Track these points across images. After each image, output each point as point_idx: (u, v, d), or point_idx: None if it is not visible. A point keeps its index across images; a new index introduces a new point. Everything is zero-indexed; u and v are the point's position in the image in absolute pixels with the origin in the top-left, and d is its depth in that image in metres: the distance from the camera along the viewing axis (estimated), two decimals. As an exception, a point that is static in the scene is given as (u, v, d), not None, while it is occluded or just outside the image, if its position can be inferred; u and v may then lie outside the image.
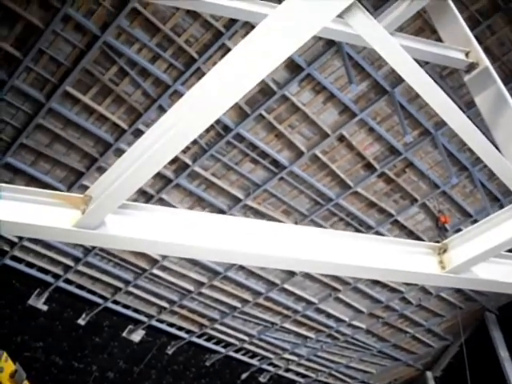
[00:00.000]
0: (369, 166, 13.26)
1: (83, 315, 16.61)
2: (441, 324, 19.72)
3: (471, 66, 5.05)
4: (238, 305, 17.23)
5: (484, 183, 13.93)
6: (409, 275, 3.01)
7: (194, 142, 12.21)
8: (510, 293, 3.32)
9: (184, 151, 12.46)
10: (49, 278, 15.44)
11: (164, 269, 15.57)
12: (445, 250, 3.15)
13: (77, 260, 14.89)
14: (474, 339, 19.05)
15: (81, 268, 15.18)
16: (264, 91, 11.40)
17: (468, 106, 11.49)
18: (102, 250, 14.60)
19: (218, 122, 11.82)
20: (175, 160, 12.61)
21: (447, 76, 11.68)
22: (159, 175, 12.83)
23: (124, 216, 2.69)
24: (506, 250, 3.24)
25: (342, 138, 12.67)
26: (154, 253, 14.26)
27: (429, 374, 21.50)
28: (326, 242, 2.95)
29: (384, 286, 17.02)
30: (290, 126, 12.29)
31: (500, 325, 19.38)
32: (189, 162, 12.62)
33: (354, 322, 18.56)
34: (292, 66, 11.10)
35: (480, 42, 10.25)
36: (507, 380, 18.04)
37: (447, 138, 12.90)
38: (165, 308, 17.03)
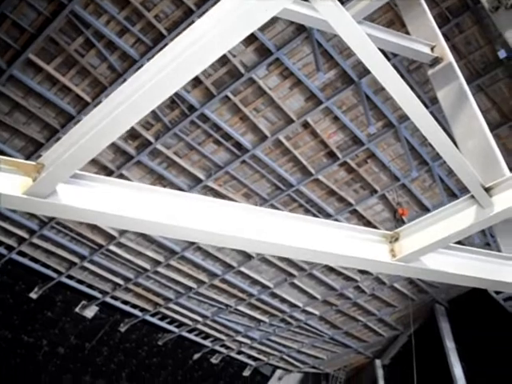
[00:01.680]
0: (331, 155, 13.34)
1: (36, 289, 16.37)
2: (392, 314, 20.11)
3: (435, 61, 5.12)
4: (194, 285, 17.22)
5: (443, 178, 14.15)
6: (359, 261, 3.05)
7: (158, 120, 12.10)
8: (457, 284, 3.38)
9: (147, 128, 12.34)
10: (1, 250, 15.14)
11: (121, 246, 15.44)
12: (396, 239, 3.20)
13: (32, 232, 14.63)
14: (423, 330, 19.50)
15: (35, 241, 14.93)
16: (231, 73, 11.34)
17: (432, 102, 11.65)
18: (58, 223, 14.38)
19: (183, 101, 11.72)
20: (137, 136, 12.47)
21: (414, 70, 11.78)
22: (120, 151, 12.69)
23: (77, 186, 2.64)
24: (454, 242, 3.31)
25: (306, 125, 12.70)
26: (106, 225, 14.13)
27: (378, 361, 21.94)
28: (279, 224, 2.95)
29: (339, 273, 17.24)
30: (255, 109, 12.25)
31: (449, 317, 19.87)
32: (151, 139, 12.49)
33: (308, 308, 18.77)
34: (261, 50, 11.04)
35: (447, 39, 10.43)
36: (451, 369, 18.53)
37: (410, 131, 13.05)
38: (120, 285, 16.90)
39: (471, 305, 18.91)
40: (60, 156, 2.49)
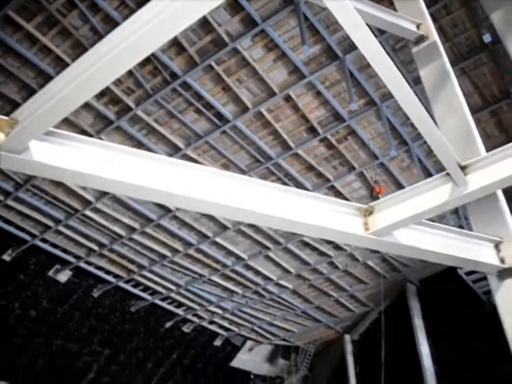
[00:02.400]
0: (312, 130, 13.33)
1: (9, 251, 16.24)
2: (364, 291, 20.36)
3: (420, 38, 5.11)
4: (168, 254, 17.24)
5: (421, 159, 14.25)
6: (333, 233, 3.06)
7: (140, 86, 11.96)
8: (428, 260, 3.43)
9: (128, 94, 12.19)
10: (-25, 211, 15.00)
11: (97, 211, 15.35)
12: (371, 213, 3.22)
13: (7, 194, 14.45)
14: (393, 307, 19.80)
15: (10, 203, 14.75)
16: (215, 42, 11.20)
17: (416, 82, 11.63)
18: (34, 185, 14.22)
19: (165, 68, 11.58)
20: (118, 102, 12.33)
21: (399, 50, 11.76)
22: (100, 115, 12.55)
23: (51, 144, 2.59)
24: (427, 219, 3.34)
25: (288, 99, 12.64)
26: (78, 185, 14.04)
27: (347, 337, 22.27)
28: (256, 191, 2.94)
29: (314, 249, 17.37)
30: (238, 80, 12.16)
31: (419, 296, 20.20)
32: (132, 105, 12.36)
33: (281, 282, 18.93)
34: (247, 20, 10.91)
35: (434, 20, 10.39)
36: (418, 346, 18.89)
37: (392, 110, 13.07)
38: (94, 250, 16.84)
39: (441, 285, 19.23)
40: (34, 112, 2.44)
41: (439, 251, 3.31)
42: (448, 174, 3.17)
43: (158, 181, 2.79)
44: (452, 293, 18.55)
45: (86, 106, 12.26)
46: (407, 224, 3.25)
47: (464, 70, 12.23)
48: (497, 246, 3.63)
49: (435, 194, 3.18)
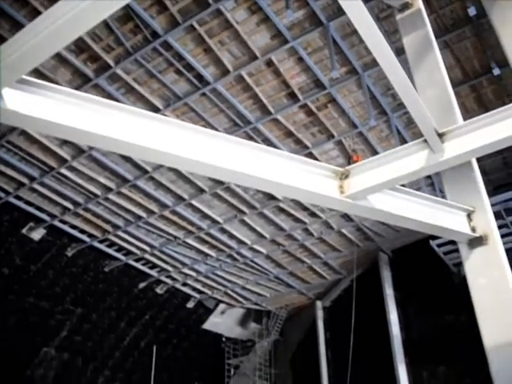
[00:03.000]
0: (292, 96, 13.26)
1: (-18, 208, 16.06)
2: (337, 258, 20.58)
3: (405, 6, 5.08)
4: (144, 215, 17.19)
5: (400, 130, 14.29)
6: (308, 194, 3.06)
7: (120, 44, 11.74)
8: (400, 225, 3.45)
9: (108, 51, 11.98)
10: None
11: (72, 169, 15.18)
12: (346, 176, 3.22)
13: (-20, 149, 14.23)
14: (365, 276, 20.06)
15: (-17, 158, 14.53)
16: (198, 2, 11.00)
17: (399, 53, 11.52)
18: (8, 141, 13.98)
19: (146, 26, 11.37)
20: (97, 59, 12.12)
21: (384, 19, 11.67)
22: (79, 72, 12.34)
23: (24, 92, 2.53)
24: (401, 185, 3.36)
25: (270, 63, 12.53)
26: (49, 134, 13.84)
27: (319, 303, 22.57)
28: (233, 149, 2.92)
29: (289, 214, 17.46)
30: (220, 42, 11.99)
31: (391, 265, 20.48)
32: (111, 63, 12.16)
33: (256, 246, 19.04)
34: (231, -20, 10.73)
35: (419, -12, 10.15)
36: (387, 314, 19.24)
37: (373, 80, 13.04)
38: (69, 209, 16.71)
39: (413, 256, 19.51)
40: (5, 58, 2.37)
41: (412, 217, 3.34)
42: (425, 141, 3.19)
43: (131, 134, 2.75)
44: (423, 264, 18.84)
45: (65, 61, 12.04)
46: (382, 189, 3.27)
47: (447, 43, 12.21)
48: (469, 216, 3.68)
49: (411, 160, 3.20)
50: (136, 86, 12.81)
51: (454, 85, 12.88)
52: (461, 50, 12.50)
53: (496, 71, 12.44)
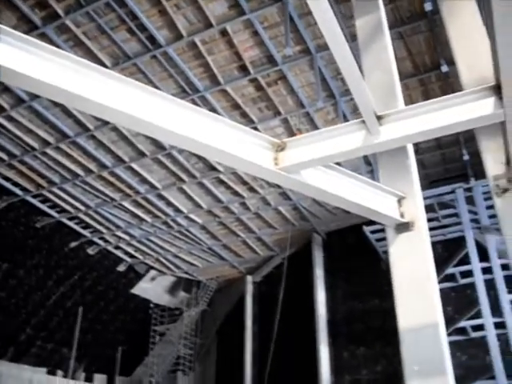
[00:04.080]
0: (243, 69, 13.18)
1: None
2: (272, 235, 20.76)
3: (362, -12, 5.07)
4: (82, 173, 16.82)
5: (346, 115, 14.42)
6: (243, 163, 3.05)
7: (72, -6, 11.35)
8: (330, 203, 3.49)
9: (58, 0, 11.54)
10: None
11: (11, 119, 14.66)
12: (283, 149, 3.23)
13: None
14: (297, 255, 20.36)
15: None
16: (158, -40, 10.74)
17: (353, 38, 11.61)
18: None
19: (102, -22, 11.02)
20: (46, 7, 11.69)
21: (342, 2, 11.68)
22: (25, 18, 11.89)
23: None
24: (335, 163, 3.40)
25: (224, 33, 12.39)
26: None
27: (249, 277, 22.77)
28: (173, 110, 2.87)
29: (228, 187, 17.46)
30: (176, 5, 11.75)
31: (324, 247, 20.84)
32: (61, 13, 11.74)
33: (192, 216, 18.97)
34: None
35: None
36: (315, 295, 19.62)
37: (325, 62, 13.09)
38: (3, 160, 16.16)
39: (346, 240, 19.95)
40: None
41: (343, 196, 3.38)
42: (363, 122, 3.22)
43: (72, 83, 2.66)
44: (355, 248, 19.26)
45: (11, 5, 11.55)
46: (316, 165, 3.29)
47: (401, 34, 12.37)
48: (399, 201, 3.76)
49: (348, 139, 3.23)
50: (85, 40, 12.43)
51: (404, 76, 13.28)
52: (414, 44, 12.69)
53: (444, 68, 12.71)
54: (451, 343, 14.82)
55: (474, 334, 16.20)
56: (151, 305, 24.32)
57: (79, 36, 12.34)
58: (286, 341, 18.37)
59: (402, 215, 3.71)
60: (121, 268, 22.29)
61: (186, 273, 23.44)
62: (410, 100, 13.73)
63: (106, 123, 14.43)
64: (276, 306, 17.24)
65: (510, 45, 2.59)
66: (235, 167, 3.01)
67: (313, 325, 19.27)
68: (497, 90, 3.06)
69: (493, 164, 3.75)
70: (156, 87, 13.50)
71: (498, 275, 15.50)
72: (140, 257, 22.09)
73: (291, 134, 14.61)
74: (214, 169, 16.42)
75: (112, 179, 17.14)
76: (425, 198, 14.03)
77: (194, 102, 13.87)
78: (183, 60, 12.95)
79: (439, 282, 16.86)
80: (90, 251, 21.02)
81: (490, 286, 15.68)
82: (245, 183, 17.23)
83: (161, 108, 2.87)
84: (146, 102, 2.84)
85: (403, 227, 3.69)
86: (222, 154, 2.94)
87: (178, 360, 23.39)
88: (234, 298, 23.36)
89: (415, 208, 3.73)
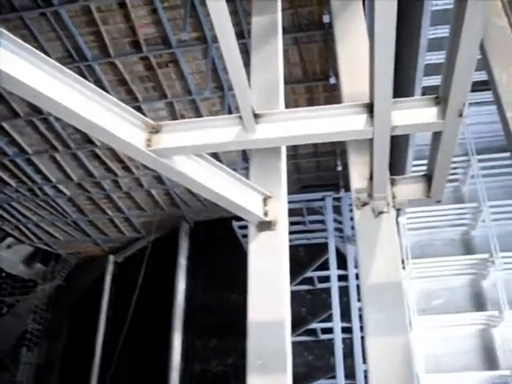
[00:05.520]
0: (136, 45, 12.87)
1: None
2: (140, 217, 20.41)
3: (262, -12, 5.13)
4: None
5: (232, 110, 14.53)
6: (113, 139, 2.96)
7: None
8: (198, 192, 3.50)
9: None
10: None
11: None
12: (157, 131, 3.19)
13: None
14: (163, 241, 20.22)
15: None
16: None
17: (250, 35, 11.74)
18: None
19: None
20: None
21: (245, -1, 11.78)
22: None
23: None
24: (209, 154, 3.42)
25: (122, 5, 12.02)
26: None
27: (111, 257, 22.25)
28: (46, 72, 2.73)
29: (103, 163, 16.95)
30: (77, -36, 11.26)
31: (190, 236, 20.85)
32: None
33: (60, 186, 18.20)
34: None
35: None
36: (175, 283, 19.60)
37: (219, 54, 13.09)
38: None
39: (214, 232, 20.09)
40: None
41: (211, 187, 3.40)
42: (241, 118, 3.26)
43: None
44: (222, 241, 19.46)
45: None
46: (189, 152, 3.29)
47: (297, 40, 12.70)
48: (265, 200, 3.85)
49: (222, 132, 3.26)
50: (-36, -18, 11.58)
51: (293, 81, 13.59)
52: (307, 51, 13.06)
53: (332, 80, 13.20)
54: (301, 343, 15.42)
55: (322, 336, 16.97)
56: (3, 274, 23.07)
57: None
58: (141, 325, 18.26)
59: (265, 214, 3.80)
60: (-25, 231, 21.00)
61: (46, 244, 22.47)
62: (295, 104, 14.14)
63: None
64: (135, 289, 17.06)
65: (384, 71, 2.75)
66: (106, 142, 2.93)
67: (170, 312, 19.24)
68: (370, 108, 3.21)
69: (357, 178, 3.94)
70: (41, 47, 12.83)
71: (352, 283, 16.35)
72: (-1, 222, 20.90)
73: (174, 118, 14.50)
74: (90, 142, 15.88)
75: (-23, 136, 16.05)
76: (295, 202, 14.46)
77: (79, 70, 13.36)
78: (75, 24, 12.39)
79: (298, 284, 17.47)
80: None
81: (344, 292, 16.50)
82: (120, 161, 16.83)
83: (28, 65, 2.71)
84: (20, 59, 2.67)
85: (265, 226, 3.78)
86: (91, 125, 2.83)
87: (24, 335, 22.34)
88: (92, 276, 22.74)
89: (279, 209, 3.83)
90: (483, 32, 3.87)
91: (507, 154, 11.79)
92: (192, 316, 19.59)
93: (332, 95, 14.08)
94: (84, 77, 13.56)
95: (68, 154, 16.61)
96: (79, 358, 20.74)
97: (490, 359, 13.37)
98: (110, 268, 22.14)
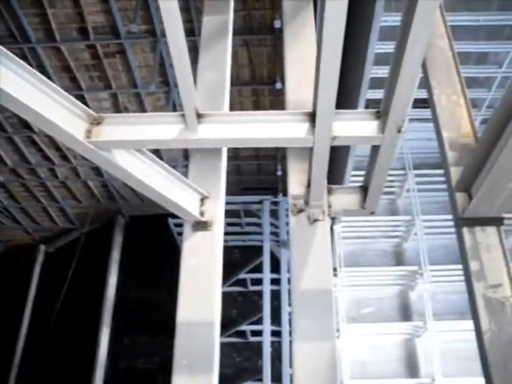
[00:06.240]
0: (84, 32, 12.58)
1: None
2: (75, 208, 19.96)
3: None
4: None
5: (176, 107, 14.45)
6: (52, 127, 2.89)
7: None
8: (135, 188, 3.47)
9: None
10: None
11: None
12: (99, 123, 3.14)
13: None
14: (97, 234, 19.84)
15: None
16: None
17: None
18: None
19: None
20: None
21: (198, -2, 11.73)
22: None
23: None
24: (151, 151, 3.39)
25: (71, -9, 11.76)
26: None
27: (42, 247, 21.67)
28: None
29: (40, 149, 16.50)
30: None
31: (125, 231, 20.55)
32: None
33: (-5, 171, 17.61)
34: None
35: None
36: (107, 277, 19.25)
37: (167, 49, 12.96)
38: None
39: (150, 228, 19.83)
40: None
41: (148, 183, 3.38)
42: (184, 116, 3.25)
43: None
44: (157, 238, 19.24)
45: None
46: (128, 147, 3.25)
47: (247, 42, 12.72)
48: (202, 200, 3.85)
49: (164, 129, 3.24)
50: None
51: (240, 83, 13.61)
52: (256, 54, 13.10)
53: (278, 85, 13.28)
54: (230, 344, 15.41)
55: (252, 339, 17.04)
56: None
57: None
58: (68, 319, 17.87)
59: (201, 214, 3.80)
60: None
61: (-28, 229, 21.68)
62: (241, 106, 14.18)
63: None
64: (65, 281, 16.69)
65: (329, 80, 2.80)
66: (44, 130, 2.86)
67: (99, 307, 18.89)
68: (312, 117, 3.26)
69: (295, 184, 3.99)
70: (-18, 25, 12.39)
71: (284, 287, 16.50)
72: None
73: (118, 110, 14.30)
74: (28, 127, 15.43)
75: None
76: (233, 203, 14.47)
77: (21, 52, 12.95)
78: (20, 5, 11.99)
79: (230, 285, 17.47)
80: None
81: (276, 296, 16.63)
82: (58, 149, 16.42)
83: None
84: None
85: (201, 226, 3.78)
86: (29, 111, 2.76)
87: None
88: (20, 265, 22.04)
89: (216, 210, 3.84)
90: (426, 52, 4.01)
91: (442, 171, 12.22)
92: (122, 312, 19.29)
93: (277, 100, 14.19)
94: (26, 59, 13.17)
95: (3, 138, 16.07)
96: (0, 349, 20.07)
97: (412, 367, 13.80)
98: (40, 258, 21.55)
